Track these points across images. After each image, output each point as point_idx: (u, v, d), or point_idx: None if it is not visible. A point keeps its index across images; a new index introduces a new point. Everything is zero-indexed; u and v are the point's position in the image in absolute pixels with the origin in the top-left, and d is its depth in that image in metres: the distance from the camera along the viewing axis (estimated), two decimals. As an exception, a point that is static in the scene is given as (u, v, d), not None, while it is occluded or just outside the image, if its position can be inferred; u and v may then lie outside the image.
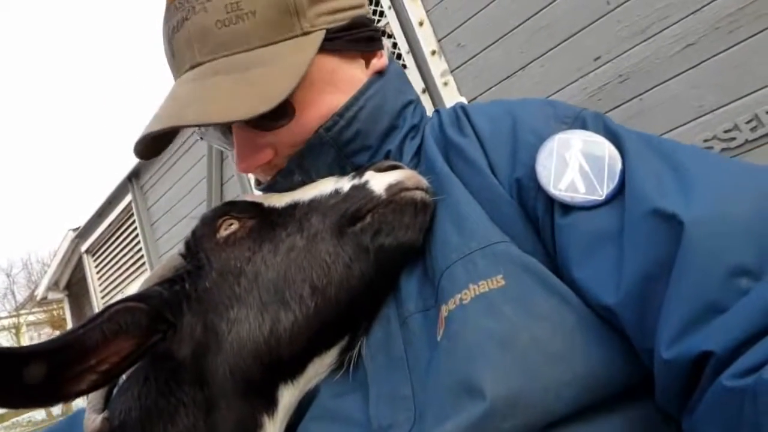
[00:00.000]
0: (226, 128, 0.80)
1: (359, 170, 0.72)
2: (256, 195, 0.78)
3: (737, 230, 0.51)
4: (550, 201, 0.65)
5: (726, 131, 2.00)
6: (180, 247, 0.73)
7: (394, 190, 0.67)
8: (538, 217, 0.66)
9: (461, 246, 0.64)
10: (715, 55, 2.03)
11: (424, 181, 0.70)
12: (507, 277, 0.60)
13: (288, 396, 0.65)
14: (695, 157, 0.61)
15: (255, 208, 0.72)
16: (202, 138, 0.85)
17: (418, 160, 0.79)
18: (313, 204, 0.70)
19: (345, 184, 0.70)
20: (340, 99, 0.76)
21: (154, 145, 0.73)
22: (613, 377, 0.57)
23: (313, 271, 0.64)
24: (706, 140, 2.03)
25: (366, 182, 0.69)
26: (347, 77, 0.78)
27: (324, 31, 0.74)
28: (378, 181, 0.69)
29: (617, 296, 0.56)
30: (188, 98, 0.69)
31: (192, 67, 0.72)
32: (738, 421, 0.45)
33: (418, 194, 0.68)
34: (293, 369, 0.65)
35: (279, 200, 0.73)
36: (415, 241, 0.67)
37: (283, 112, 0.72)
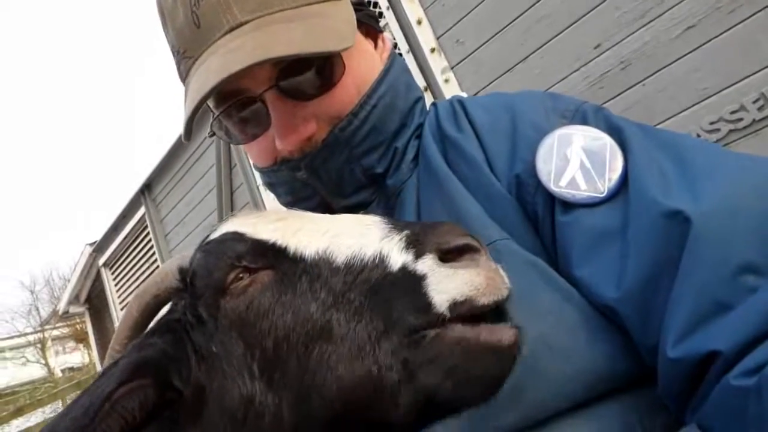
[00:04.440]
0: (246, 111, 0.75)
1: (415, 234, 0.55)
2: (272, 214, 0.67)
3: (743, 226, 0.51)
4: (551, 198, 0.64)
5: (732, 113, 1.97)
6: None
7: (461, 309, 0.50)
8: (538, 214, 0.66)
9: None
10: (716, 36, 2.00)
11: (503, 287, 0.53)
12: (509, 272, 0.59)
13: None
14: (700, 150, 0.60)
15: (271, 253, 0.59)
16: (211, 135, 0.82)
17: (417, 161, 0.79)
18: (351, 271, 0.54)
19: (394, 252, 0.54)
20: (368, 71, 0.77)
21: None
22: (615, 373, 0.57)
23: (352, 383, 0.51)
24: (712, 123, 2.00)
25: (424, 276, 0.51)
26: (367, 51, 0.80)
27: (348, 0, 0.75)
28: (439, 283, 0.51)
29: (619, 293, 0.56)
30: (263, 41, 0.66)
31: (231, 30, 0.69)
32: (743, 418, 0.45)
33: (505, 337, 0.50)
34: None
35: (304, 241, 0.59)
36: (482, 401, 0.52)
37: (339, 68, 0.72)
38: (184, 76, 0.76)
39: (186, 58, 0.73)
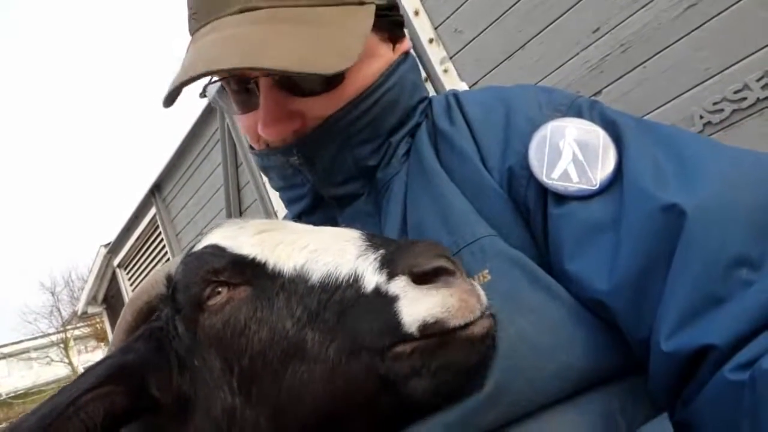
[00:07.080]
0: (241, 87, 0.75)
1: (390, 253, 0.55)
2: (255, 225, 0.66)
3: (738, 219, 0.51)
4: (543, 190, 0.64)
5: (736, 92, 1.93)
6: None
7: (431, 330, 0.51)
8: (529, 207, 0.66)
9: (449, 244, 0.64)
10: (718, 14, 1.95)
11: (477, 308, 0.53)
12: (493, 271, 0.61)
13: None
14: (695, 144, 0.60)
15: (250, 268, 0.60)
16: (203, 96, 0.81)
17: (408, 157, 0.79)
18: (326, 289, 0.55)
19: (368, 272, 0.54)
20: (376, 74, 0.76)
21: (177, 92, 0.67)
22: (600, 368, 0.57)
23: (327, 402, 0.53)
24: (715, 103, 1.97)
25: (396, 298, 0.52)
26: (383, 58, 0.78)
27: (374, 5, 0.74)
28: (410, 305, 0.51)
29: (610, 286, 0.56)
30: (260, 41, 0.65)
31: (242, 11, 0.68)
32: (737, 411, 0.45)
33: (477, 329, 0.52)
34: None
35: (283, 255, 0.59)
36: (467, 394, 0.53)
37: (337, 77, 0.71)
38: (191, 33, 0.74)
39: (194, 19, 0.73)
